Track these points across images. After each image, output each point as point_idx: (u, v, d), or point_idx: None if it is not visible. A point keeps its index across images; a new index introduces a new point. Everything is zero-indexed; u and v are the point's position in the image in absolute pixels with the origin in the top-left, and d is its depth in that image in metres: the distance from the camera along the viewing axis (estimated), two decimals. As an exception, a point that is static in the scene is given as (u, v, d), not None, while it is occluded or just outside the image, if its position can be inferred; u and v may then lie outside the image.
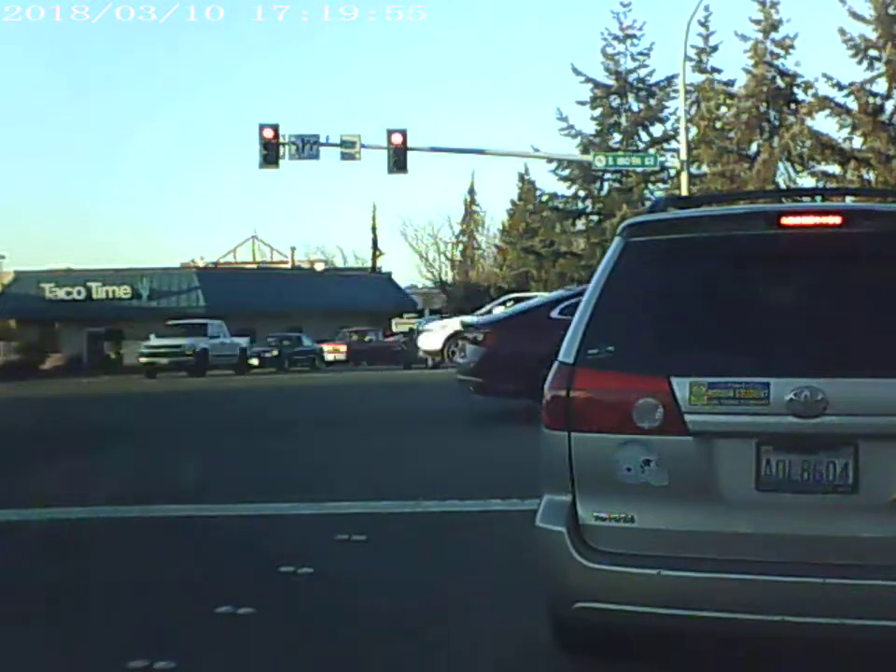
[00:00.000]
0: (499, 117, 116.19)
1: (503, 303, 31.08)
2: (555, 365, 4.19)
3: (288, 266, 72.32)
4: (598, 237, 50.83)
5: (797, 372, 3.80)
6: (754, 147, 46.59)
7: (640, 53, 53.37)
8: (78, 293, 57.50)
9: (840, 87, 40.83)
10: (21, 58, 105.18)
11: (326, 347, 52.51)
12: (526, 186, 61.44)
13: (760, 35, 46.71)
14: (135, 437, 14.55)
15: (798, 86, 45.99)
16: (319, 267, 74.81)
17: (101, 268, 58.68)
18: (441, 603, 5.70)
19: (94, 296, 57.66)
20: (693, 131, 43.77)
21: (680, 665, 4.62)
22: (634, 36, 53.06)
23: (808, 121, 43.24)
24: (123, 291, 57.83)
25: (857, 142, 41.20)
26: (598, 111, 53.29)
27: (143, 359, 41.03)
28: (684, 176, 33.52)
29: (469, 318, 21.51)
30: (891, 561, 3.68)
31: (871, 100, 40.59)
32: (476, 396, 15.36)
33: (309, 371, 45.27)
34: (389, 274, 73.07)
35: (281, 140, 31.74)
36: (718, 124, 47.35)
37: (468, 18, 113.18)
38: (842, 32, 40.62)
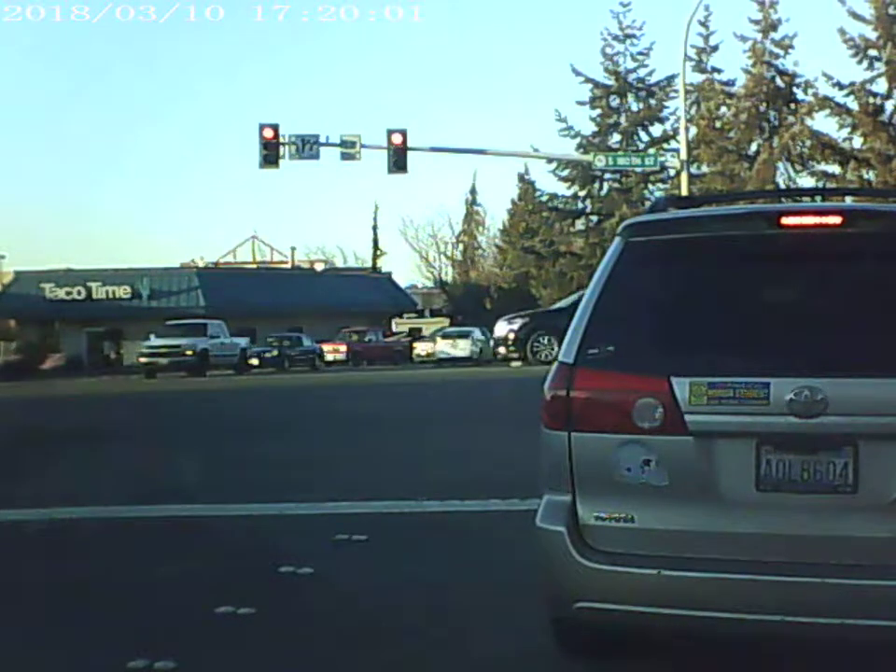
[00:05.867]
0: (499, 117, 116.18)
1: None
2: (555, 365, 4.19)
3: (288, 266, 72.30)
4: (598, 237, 50.85)
5: (797, 372, 3.80)
6: (754, 147, 46.61)
7: (640, 53, 53.43)
8: (78, 293, 57.49)
9: (840, 87, 40.86)
10: (21, 58, 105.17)
11: (326, 347, 52.50)
12: (526, 186, 61.46)
13: (759, 35, 46.75)
14: (135, 437, 14.54)
15: (798, 86, 46.01)
16: (319, 267, 74.79)
17: (101, 268, 58.66)
18: (441, 603, 5.70)
19: (94, 296, 57.65)
20: (693, 131, 43.76)
21: (680, 665, 4.62)
22: (633, 36, 53.11)
23: (808, 121, 43.27)
24: (123, 291, 57.81)
25: (857, 142, 41.22)
26: (598, 111, 53.32)
27: (143, 359, 40.99)
28: (684, 176, 33.51)
29: None
30: (891, 561, 3.68)
31: (871, 100, 40.59)
32: None
33: (309, 371, 45.27)
34: (389, 274, 73.06)
35: (281, 140, 31.74)
36: (718, 124, 47.35)
37: (468, 18, 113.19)
38: (842, 32, 40.64)
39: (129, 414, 17.92)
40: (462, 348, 45.67)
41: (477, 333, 47.65)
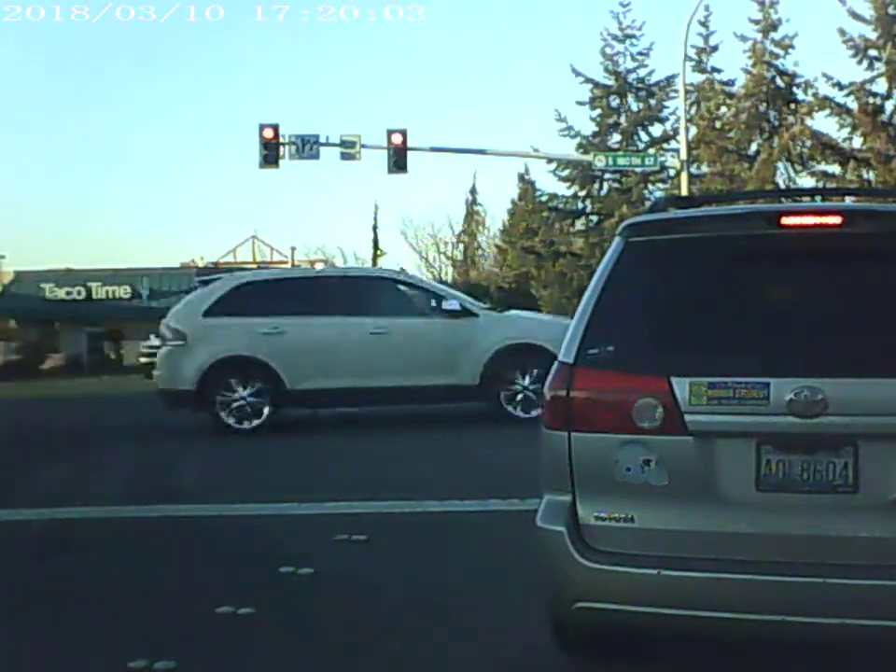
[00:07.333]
0: (499, 117, 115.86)
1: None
2: (555, 365, 4.19)
3: (288, 266, 72.25)
4: (598, 237, 50.79)
5: (797, 372, 3.80)
6: (754, 147, 46.56)
7: (640, 53, 53.27)
8: (78, 293, 57.48)
9: (840, 87, 40.80)
10: (21, 58, 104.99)
11: (326, 347, 52.37)
12: (526, 186, 61.41)
13: (759, 35, 46.68)
14: (134, 437, 14.53)
15: (798, 86, 45.94)
16: (319, 267, 74.72)
17: (101, 268, 58.65)
18: (441, 603, 5.70)
19: (94, 296, 57.64)
20: (693, 131, 43.73)
21: (681, 665, 4.62)
22: (633, 36, 52.96)
23: (808, 121, 43.22)
24: (123, 291, 57.81)
25: (857, 142, 41.17)
26: (598, 111, 53.26)
27: (143, 359, 40.95)
28: (684, 176, 33.49)
29: None
30: (891, 561, 3.68)
31: (871, 100, 40.54)
32: None
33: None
34: (389, 274, 72.95)
35: (281, 140, 31.68)
36: (718, 124, 47.31)
37: (468, 18, 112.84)
38: (842, 32, 40.57)
39: (128, 414, 17.92)
40: None
41: None
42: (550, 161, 50.45)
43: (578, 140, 52.41)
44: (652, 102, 53.28)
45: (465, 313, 14.26)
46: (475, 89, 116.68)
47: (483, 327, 14.18)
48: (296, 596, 5.92)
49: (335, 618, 5.51)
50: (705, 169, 46.79)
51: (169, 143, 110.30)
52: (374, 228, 79.75)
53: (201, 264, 67.88)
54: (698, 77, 48.60)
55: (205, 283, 15.33)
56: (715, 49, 49.82)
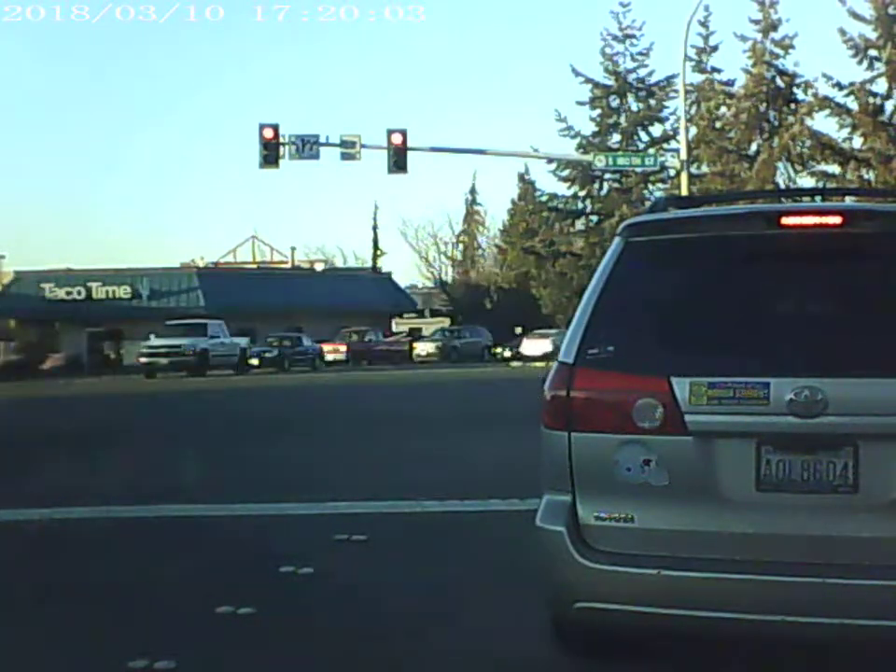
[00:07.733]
0: (499, 117, 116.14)
1: None
2: (555, 365, 4.19)
3: (288, 266, 72.25)
4: (598, 237, 50.85)
5: (797, 372, 3.80)
6: (754, 147, 46.59)
7: (640, 53, 53.42)
8: (78, 293, 57.48)
9: (840, 87, 40.86)
10: (21, 58, 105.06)
11: (326, 347, 52.52)
12: (526, 186, 61.44)
13: (759, 35, 46.74)
14: (135, 437, 14.55)
15: (798, 86, 46.00)
16: (319, 267, 74.74)
17: (101, 268, 58.62)
18: (441, 603, 5.70)
19: (94, 296, 57.64)
20: (693, 131, 43.75)
21: (680, 665, 4.62)
22: (633, 37, 53.10)
23: (808, 121, 43.27)
24: (123, 291, 57.80)
25: (857, 142, 41.21)
26: (598, 111, 53.33)
27: (143, 359, 41.03)
28: (684, 176, 33.48)
29: None
30: (891, 561, 3.68)
31: (871, 100, 40.59)
32: None
33: (309, 371, 45.28)
34: (389, 274, 73.01)
35: (281, 140, 31.69)
36: (718, 124, 47.36)
37: (467, 18, 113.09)
38: (842, 32, 40.63)
39: (129, 415, 17.93)
40: (540, 347, 50.00)
41: (558, 335, 51.42)
42: (550, 161, 50.52)
43: (578, 140, 52.53)
44: (652, 102, 53.35)
45: None
46: (475, 89, 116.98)
47: None
48: (296, 596, 5.93)
49: (335, 618, 5.51)
50: (705, 169, 46.83)
51: (169, 143, 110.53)
52: (374, 228, 79.87)
53: (201, 264, 67.89)
54: (698, 77, 48.69)
55: None
56: (715, 48, 49.91)
